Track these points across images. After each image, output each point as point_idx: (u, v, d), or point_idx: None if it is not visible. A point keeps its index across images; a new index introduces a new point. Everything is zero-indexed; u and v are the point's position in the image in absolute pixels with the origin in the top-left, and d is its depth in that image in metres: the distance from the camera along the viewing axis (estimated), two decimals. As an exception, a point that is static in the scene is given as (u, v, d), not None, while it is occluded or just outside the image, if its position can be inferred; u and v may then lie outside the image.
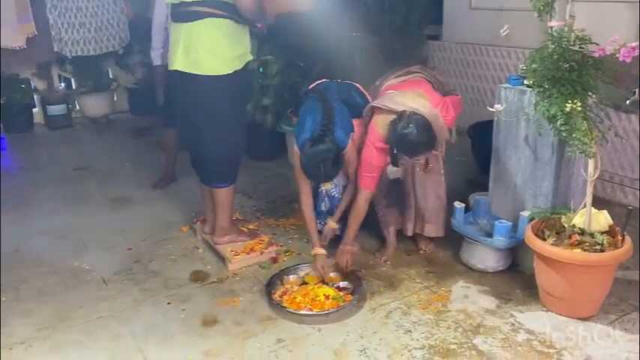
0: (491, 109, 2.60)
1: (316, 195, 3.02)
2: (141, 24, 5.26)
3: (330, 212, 3.02)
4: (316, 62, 4.30)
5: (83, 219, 3.59)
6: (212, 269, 2.93)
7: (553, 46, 2.28)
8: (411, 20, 4.65)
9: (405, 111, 2.49)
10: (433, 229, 2.98)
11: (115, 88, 6.20)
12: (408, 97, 2.61)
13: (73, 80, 6.08)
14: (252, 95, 4.15)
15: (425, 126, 2.45)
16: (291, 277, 2.74)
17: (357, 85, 2.94)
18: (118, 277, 2.87)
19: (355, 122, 2.73)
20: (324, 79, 2.96)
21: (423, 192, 2.92)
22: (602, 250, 2.29)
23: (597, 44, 2.22)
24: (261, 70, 4.32)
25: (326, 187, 3.00)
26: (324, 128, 2.56)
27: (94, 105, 6.01)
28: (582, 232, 2.36)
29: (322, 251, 2.76)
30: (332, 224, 2.96)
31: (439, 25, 4.93)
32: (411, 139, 2.44)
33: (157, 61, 3.90)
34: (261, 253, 2.97)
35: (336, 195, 3.00)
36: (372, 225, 3.11)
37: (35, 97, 5.84)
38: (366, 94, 2.89)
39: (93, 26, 5.50)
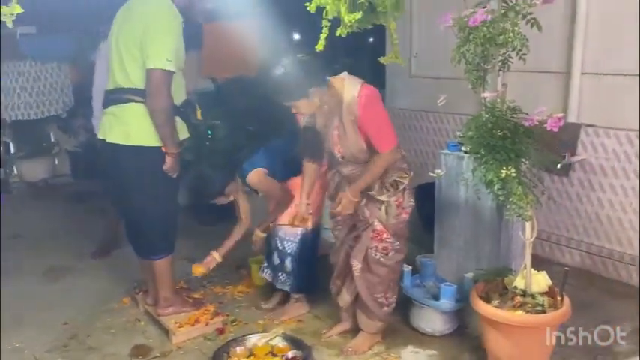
0: (432, 175, 2.68)
1: (270, 247, 3.08)
2: (86, 87, 5.20)
3: (281, 267, 3.00)
4: (264, 126, 4.35)
5: (16, 292, 3.37)
6: (155, 343, 2.80)
7: (487, 116, 2.39)
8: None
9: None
10: (366, 322, 2.70)
11: (56, 152, 6.04)
12: None
13: (11, 144, 5.89)
14: (200, 160, 4.13)
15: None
16: (238, 349, 2.64)
17: None
18: (52, 354, 2.70)
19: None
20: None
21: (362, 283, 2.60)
22: (543, 311, 2.34)
23: (527, 114, 2.36)
24: (210, 134, 4.33)
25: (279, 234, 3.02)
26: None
27: (34, 169, 5.82)
28: (524, 294, 2.41)
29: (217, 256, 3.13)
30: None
31: (382, 91, 5.11)
32: None
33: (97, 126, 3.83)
34: (207, 324, 2.87)
35: (287, 250, 2.98)
36: (322, 291, 3.08)
37: (-30, 162, 5.61)
38: None
39: (35, 90, 5.42)
